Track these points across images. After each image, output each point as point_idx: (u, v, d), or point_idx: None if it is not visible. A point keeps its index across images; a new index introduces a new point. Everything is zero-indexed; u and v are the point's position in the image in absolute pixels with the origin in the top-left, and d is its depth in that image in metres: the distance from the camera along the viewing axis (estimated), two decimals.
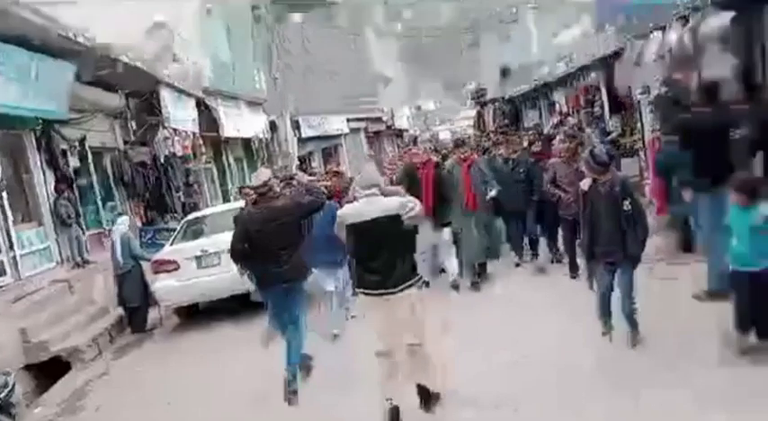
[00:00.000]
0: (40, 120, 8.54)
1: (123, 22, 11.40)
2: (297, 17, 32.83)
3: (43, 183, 8.71)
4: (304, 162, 22.43)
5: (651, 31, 7.50)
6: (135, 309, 7.70)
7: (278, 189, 5.22)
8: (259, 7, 21.88)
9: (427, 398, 4.02)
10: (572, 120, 8.81)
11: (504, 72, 20.44)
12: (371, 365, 3.99)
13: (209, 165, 16.31)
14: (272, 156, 21.24)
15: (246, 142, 19.17)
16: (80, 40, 8.31)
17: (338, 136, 27.58)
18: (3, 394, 4.52)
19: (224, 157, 17.66)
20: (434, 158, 7.57)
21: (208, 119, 15.20)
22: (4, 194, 7.70)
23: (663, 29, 7.22)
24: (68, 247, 8.73)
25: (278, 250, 4.75)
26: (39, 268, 8.14)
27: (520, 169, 7.41)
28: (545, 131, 12.91)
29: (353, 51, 33.35)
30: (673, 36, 6.81)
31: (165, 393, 5.38)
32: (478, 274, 6.98)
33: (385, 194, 4.11)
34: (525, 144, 8.57)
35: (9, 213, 7.75)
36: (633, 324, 4.52)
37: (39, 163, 8.70)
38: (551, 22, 16.59)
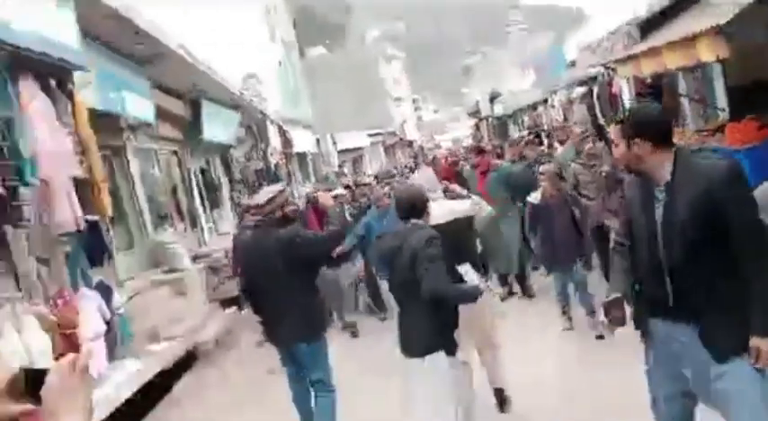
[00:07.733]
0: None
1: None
2: (321, 50, 40.16)
3: None
4: (341, 167, 29.05)
5: (555, 92, 14.48)
6: None
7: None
8: (304, 54, 28.95)
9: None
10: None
11: (492, 97, 27.17)
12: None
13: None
14: (317, 165, 28.13)
15: (300, 155, 25.99)
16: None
17: (362, 148, 34.39)
18: None
19: (288, 165, 24.49)
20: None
21: (283, 138, 22.08)
22: None
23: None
24: None
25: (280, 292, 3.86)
26: None
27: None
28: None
29: (368, 77, 40.40)
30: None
31: None
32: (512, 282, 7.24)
33: (452, 197, 4.16)
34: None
35: None
36: None
37: None
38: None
